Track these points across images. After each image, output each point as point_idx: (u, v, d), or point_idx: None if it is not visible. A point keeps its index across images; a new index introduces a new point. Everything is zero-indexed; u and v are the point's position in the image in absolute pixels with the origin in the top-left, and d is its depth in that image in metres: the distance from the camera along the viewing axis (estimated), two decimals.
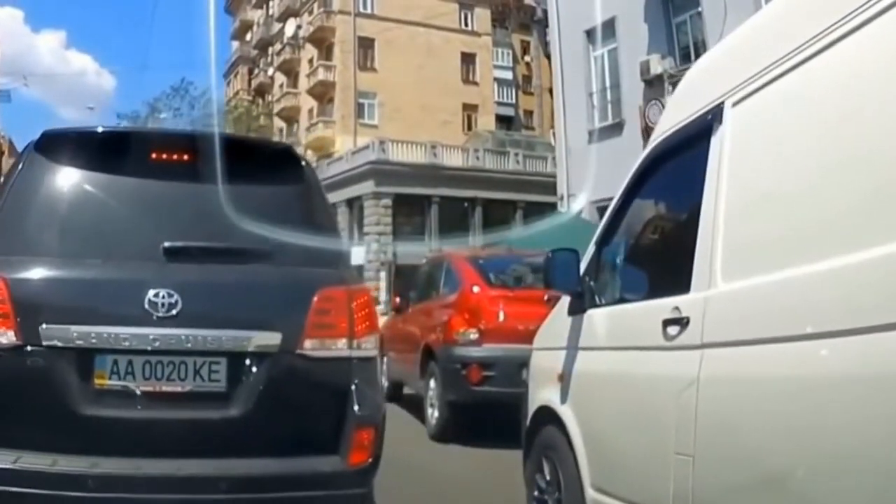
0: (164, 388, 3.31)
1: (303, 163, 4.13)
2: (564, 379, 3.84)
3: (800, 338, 2.29)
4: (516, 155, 37.95)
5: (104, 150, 3.68)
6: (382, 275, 34.27)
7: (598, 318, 3.65)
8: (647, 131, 18.97)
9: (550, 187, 25.78)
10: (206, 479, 3.22)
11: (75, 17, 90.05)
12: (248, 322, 3.43)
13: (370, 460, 3.49)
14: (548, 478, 3.99)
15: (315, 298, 3.49)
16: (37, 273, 3.37)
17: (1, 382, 3.20)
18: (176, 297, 3.32)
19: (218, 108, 49.04)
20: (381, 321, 16.34)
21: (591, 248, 3.87)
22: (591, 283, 3.77)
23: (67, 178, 3.61)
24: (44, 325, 3.22)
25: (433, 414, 8.31)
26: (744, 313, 2.62)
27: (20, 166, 3.66)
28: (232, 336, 3.38)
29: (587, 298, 3.75)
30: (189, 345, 3.31)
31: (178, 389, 3.33)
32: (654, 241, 3.70)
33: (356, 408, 3.49)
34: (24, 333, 3.21)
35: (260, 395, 3.38)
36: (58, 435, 3.19)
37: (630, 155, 14.56)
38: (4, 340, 3.20)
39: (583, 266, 3.81)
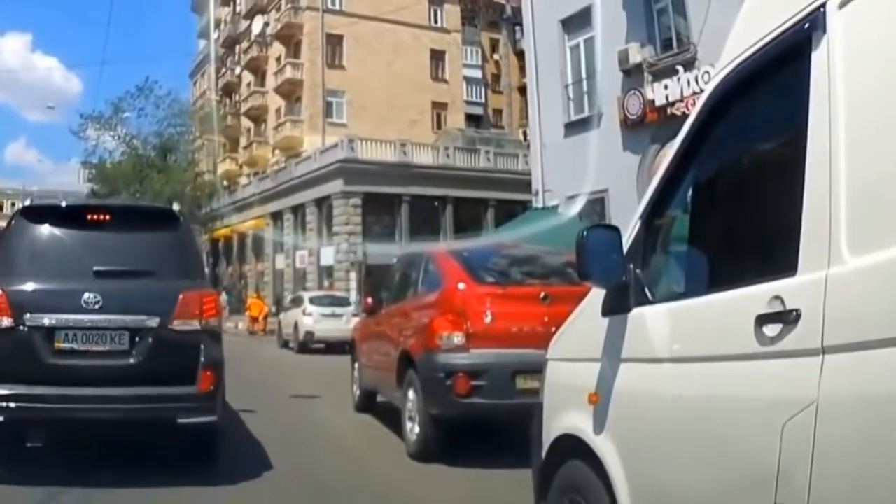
0: (93, 348, 5.88)
1: (180, 218, 7.14)
2: (601, 400, 2.90)
3: None
4: (487, 153, 37.93)
5: (60, 214, 6.50)
6: (353, 275, 33.85)
7: (652, 319, 2.71)
8: (626, 122, 18.38)
9: (522, 185, 25.48)
10: (118, 396, 5.82)
11: (41, 19, 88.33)
12: (141, 311, 6.01)
13: (212, 388, 6.12)
14: None
15: (180, 297, 6.10)
16: (23, 286, 5.95)
17: (3, 346, 5.75)
18: (99, 297, 5.88)
19: (184, 108, 47.93)
20: (353, 323, 15.67)
21: (635, 225, 2.92)
22: (638, 270, 2.85)
23: (38, 231, 6.35)
24: (27, 315, 5.79)
25: (413, 429, 7.33)
26: (892, 299, 1.78)
27: (12, 223, 6.46)
28: (131, 319, 5.96)
29: (633, 292, 2.82)
30: (107, 324, 5.89)
31: (102, 349, 5.89)
32: (733, 207, 2.71)
33: (202, 358, 6.10)
34: (15, 319, 5.77)
35: (148, 351, 5.95)
36: (34, 374, 5.71)
37: (609, 148, 13.95)
38: (5, 323, 5.76)
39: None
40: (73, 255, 6.25)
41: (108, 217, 6.57)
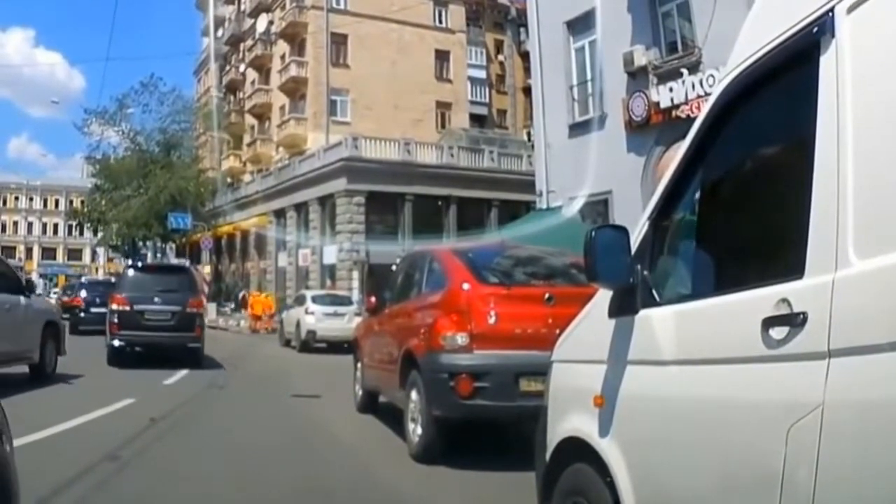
0: (158, 318, 16.17)
1: (189, 267, 24.20)
2: (606, 403, 2.89)
3: None
4: (491, 153, 37.82)
5: (143, 267, 20.91)
6: (355, 274, 33.72)
7: (659, 321, 2.69)
8: (630, 124, 18.36)
9: (525, 185, 25.40)
10: (167, 336, 16.17)
11: (44, 15, 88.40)
12: (174, 304, 16.32)
13: (200, 333, 16.76)
14: None
15: (189, 299, 16.73)
16: (132, 295, 16.33)
17: (127, 318, 15.96)
18: (160, 299, 16.38)
19: (188, 104, 48.04)
20: (355, 322, 15.66)
21: (643, 226, 2.90)
22: (645, 272, 2.83)
23: (135, 273, 18.34)
24: (134, 305, 16.11)
25: (415, 430, 7.27)
26: None
27: (125, 271, 21.20)
28: (171, 307, 16.29)
29: (640, 293, 2.79)
30: (163, 309, 16.27)
31: (161, 318, 16.19)
32: (740, 209, 2.69)
33: (196, 322, 16.71)
34: (130, 307, 16.10)
35: (178, 319, 16.30)
36: (135, 327, 15.94)
37: (613, 149, 13.85)
38: (126, 308, 16.07)
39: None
40: (149, 283, 16.45)
41: (162, 268, 21.03)
